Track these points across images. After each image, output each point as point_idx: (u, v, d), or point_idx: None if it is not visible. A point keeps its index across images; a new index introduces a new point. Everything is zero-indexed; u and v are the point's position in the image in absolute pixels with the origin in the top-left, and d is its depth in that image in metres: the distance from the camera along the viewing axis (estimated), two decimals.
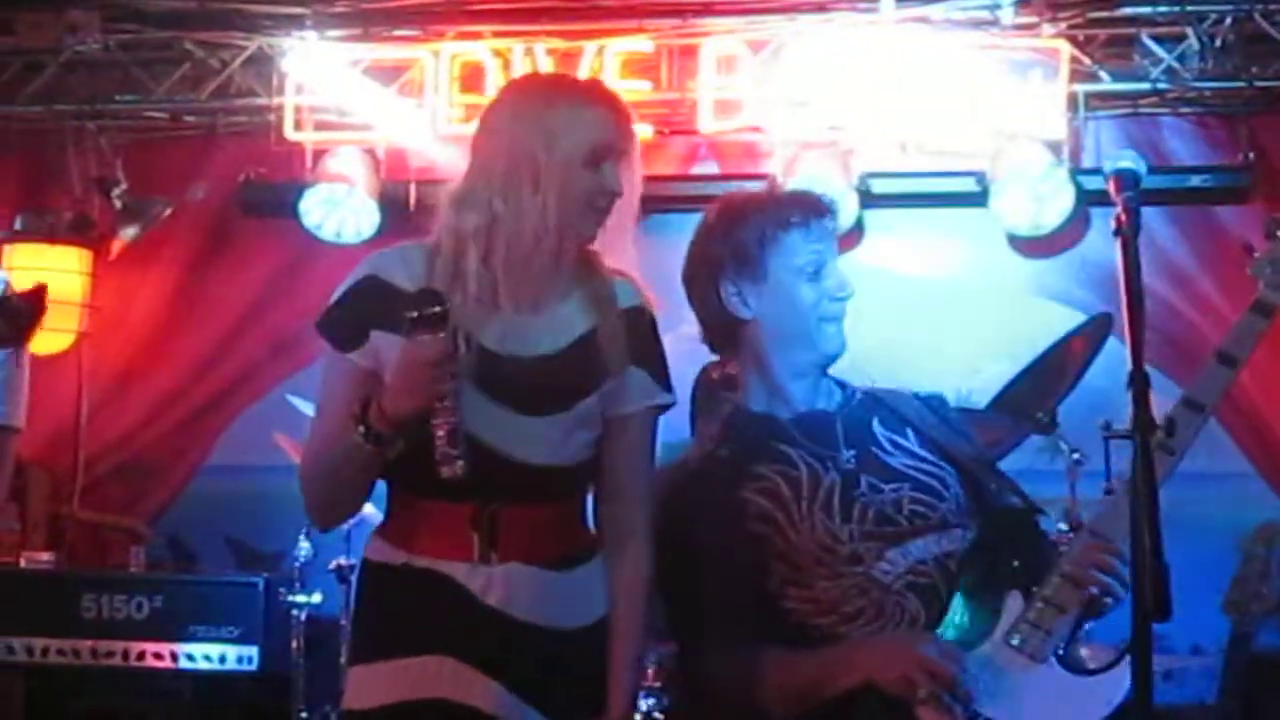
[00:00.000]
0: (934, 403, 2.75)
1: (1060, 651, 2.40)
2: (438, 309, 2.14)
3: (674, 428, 4.26)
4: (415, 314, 2.15)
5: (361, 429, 2.20)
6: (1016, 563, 2.50)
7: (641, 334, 2.38)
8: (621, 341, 2.35)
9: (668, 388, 2.40)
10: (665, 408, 2.42)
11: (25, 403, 2.82)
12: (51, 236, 5.24)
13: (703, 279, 2.54)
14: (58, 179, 5.43)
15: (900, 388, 2.77)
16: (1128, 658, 2.24)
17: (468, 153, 2.38)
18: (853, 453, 2.55)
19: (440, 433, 2.16)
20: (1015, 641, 2.41)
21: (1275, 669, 3.85)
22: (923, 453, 2.63)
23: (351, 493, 2.40)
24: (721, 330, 2.56)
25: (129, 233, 5.27)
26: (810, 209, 2.53)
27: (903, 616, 2.49)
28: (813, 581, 2.48)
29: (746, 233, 2.53)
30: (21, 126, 5.49)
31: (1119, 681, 2.36)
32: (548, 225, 2.28)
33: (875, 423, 2.63)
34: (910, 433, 2.65)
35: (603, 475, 2.42)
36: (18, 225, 5.15)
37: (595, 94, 2.42)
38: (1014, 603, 2.44)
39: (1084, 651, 2.60)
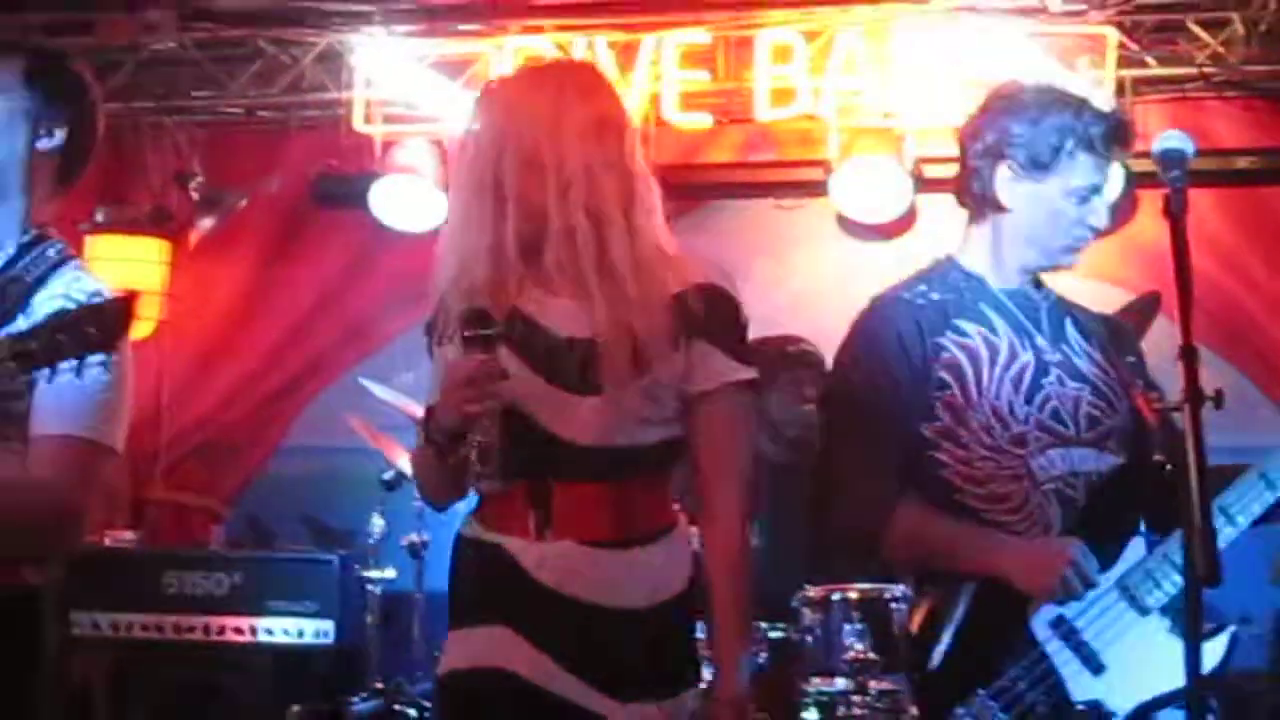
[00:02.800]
0: (1119, 330, 2.69)
1: (1164, 608, 2.29)
2: (487, 331, 2.08)
3: None
4: (468, 333, 2.10)
5: (424, 436, 2.22)
6: (1151, 512, 2.37)
7: (717, 307, 2.22)
8: (674, 324, 2.21)
9: (747, 363, 2.24)
10: (749, 383, 2.26)
11: (125, 423, 2.45)
12: (131, 228, 5.08)
13: (989, 150, 2.43)
14: (137, 173, 5.25)
15: (1083, 305, 2.71)
16: (1229, 629, 2.31)
17: None
18: (1047, 342, 2.48)
19: (473, 450, 2.11)
20: (1129, 586, 2.29)
21: None
22: (1108, 368, 2.51)
23: (441, 483, 2.31)
24: (976, 199, 2.46)
25: (206, 224, 5.11)
26: (1115, 140, 2.42)
27: (1041, 519, 2.40)
28: (971, 445, 2.42)
29: (1053, 136, 2.41)
30: (106, 122, 5.29)
31: (1213, 652, 2.24)
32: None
33: (1069, 324, 2.54)
34: (1096, 344, 2.55)
35: (691, 453, 2.28)
36: (99, 218, 4.92)
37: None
38: (1135, 550, 2.34)
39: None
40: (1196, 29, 4.46)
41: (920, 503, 2.45)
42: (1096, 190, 2.41)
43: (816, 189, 4.71)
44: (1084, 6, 4.36)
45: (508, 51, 4.69)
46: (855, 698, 3.40)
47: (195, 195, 5.09)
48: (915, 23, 4.54)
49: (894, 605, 3.45)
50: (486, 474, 2.18)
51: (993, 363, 2.45)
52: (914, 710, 3.06)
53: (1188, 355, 1.94)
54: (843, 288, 4.82)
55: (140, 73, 5.05)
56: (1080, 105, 2.46)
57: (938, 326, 2.48)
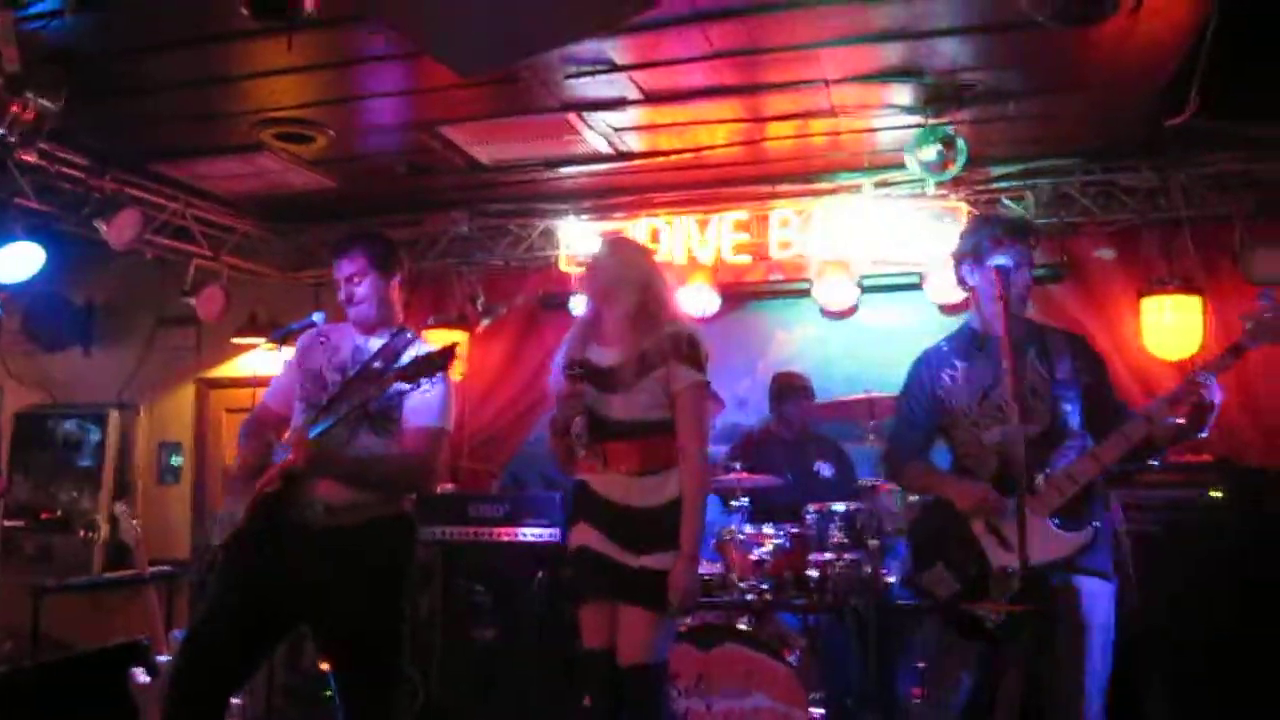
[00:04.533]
0: (1077, 345, 3.22)
1: (1053, 512, 3.00)
2: (577, 371, 3.15)
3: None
4: (572, 369, 3.18)
5: (550, 431, 3.26)
6: (1058, 455, 3.05)
7: (683, 344, 3.16)
8: (657, 353, 3.13)
9: (700, 370, 3.14)
10: (702, 384, 3.14)
11: (453, 417, 3.38)
12: (448, 325, 6.11)
13: (955, 258, 3.26)
14: (449, 297, 6.45)
15: (1056, 326, 3.37)
16: (1089, 526, 2.97)
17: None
18: (1003, 364, 2.98)
19: (573, 433, 3.16)
20: (1030, 502, 2.93)
21: None
22: (1046, 375, 3.10)
23: (559, 458, 3.34)
24: (962, 285, 3.26)
25: (485, 322, 6.19)
26: (1013, 234, 3.14)
27: (987, 466, 3.12)
28: (958, 429, 3.20)
29: (976, 241, 3.17)
30: (431, 271, 6.45)
31: (1078, 538, 2.98)
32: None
33: (1031, 350, 3.14)
34: (1048, 361, 3.12)
35: (675, 425, 3.16)
36: (430, 321, 6.04)
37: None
38: (1039, 481, 3.01)
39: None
40: (1007, 200, 5.60)
41: (919, 461, 3.27)
42: (1010, 264, 2.99)
43: (806, 293, 5.82)
44: (946, 192, 5.47)
45: (640, 225, 5.90)
46: (836, 564, 4.42)
47: (479, 308, 6.19)
48: (854, 202, 5.64)
49: (859, 513, 4.50)
50: (581, 443, 3.16)
51: (964, 383, 3.19)
52: (868, 569, 4.31)
53: (1014, 373, 2.83)
54: (822, 344, 6.06)
55: (449, 244, 6.37)
56: (990, 220, 3.31)
57: (940, 364, 3.26)
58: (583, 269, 3.47)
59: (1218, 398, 2.91)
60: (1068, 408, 3.09)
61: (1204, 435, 2.99)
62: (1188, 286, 5.28)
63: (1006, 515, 3.01)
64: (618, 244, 3.51)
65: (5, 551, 6.96)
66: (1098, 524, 3.03)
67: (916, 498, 4.10)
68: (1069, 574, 3.01)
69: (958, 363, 3.22)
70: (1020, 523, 2.76)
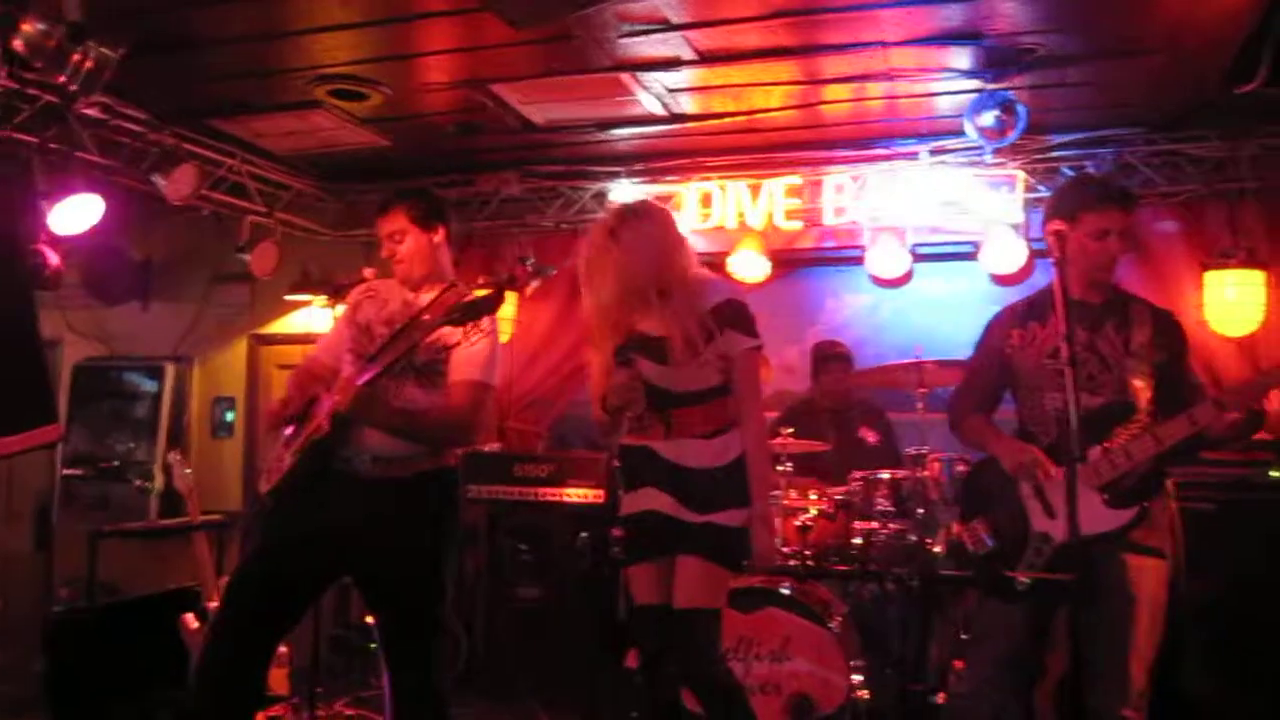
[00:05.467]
0: (1162, 320, 3.16)
1: (1102, 486, 3.00)
2: (625, 358, 3.16)
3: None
4: (623, 356, 3.19)
5: (601, 408, 3.26)
6: (1122, 428, 3.02)
7: (734, 311, 3.18)
8: (710, 324, 3.13)
9: (753, 335, 3.17)
10: (758, 349, 3.17)
11: (498, 373, 3.40)
12: (508, 286, 6.03)
13: (1047, 215, 3.21)
14: (499, 258, 6.52)
15: (1144, 300, 3.24)
16: (1138, 506, 2.97)
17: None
18: (1083, 330, 3.06)
19: (631, 415, 3.19)
20: (1083, 472, 2.93)
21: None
22: (1122, 347, 3.07)
23: (608, 428, 3.36)
24: (1051, 245, 3.08)
25: (534, 284, 6.29)
26: (1110, 201, 3.09)
27: (1047, 433, 3.12)
28: (1021, 391, 3.23)
29: (1073, 203, 3.14)
30: (481, 232, 6.51)
31: (1126, 515, 2.99)
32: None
33: (1111, 320, 3.12)
34: (1127, 333, 3.08)
35: (733, 389, 3.21)
36: (480, 282, 5.86)
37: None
38: (1095, 451, 3.00)
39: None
40: (1067, 170, 5.52)
41: (979, 416, 3.27)
42: (1105, 233, 3.02)
43: (858, 261, 5.76)
44: (1004, 159, 5.47)
45: (691, 189, 5.92)
46: (880, 532, 4.43)
47: (529, 269, 6.22)
48: (909, 169, 5.65)
49: (904, 482, 4.44)
50: (644, 418, 3.18)
51: (1031, 345, 3.18)
52: (913, 538, 4.28)
53: (1069, 339, 2.75)
54: (873, 312, 6.08)
55: (501, 205, 6.41)
56: (1088, 182, 3.38)
57: (1014, 323, 3.24)
58: (596, 245, 3.35)
59: (1277, 404, 2.90)
60: (1139, 383, 3.05)
61: (1250, 438, 3.04)
62: (1252, 260, 5.20)
63: (1054, 482, 3.01)
64: (629, 215, 3.34)
65: (64, 500, 7.16)
66: (1147, 503, 3.00)
67: (961, 467, 4.21)
68: (1115, 548, 2.99)
69: (1031, 324, 3.21)
70: (1070, 491, 2.72)
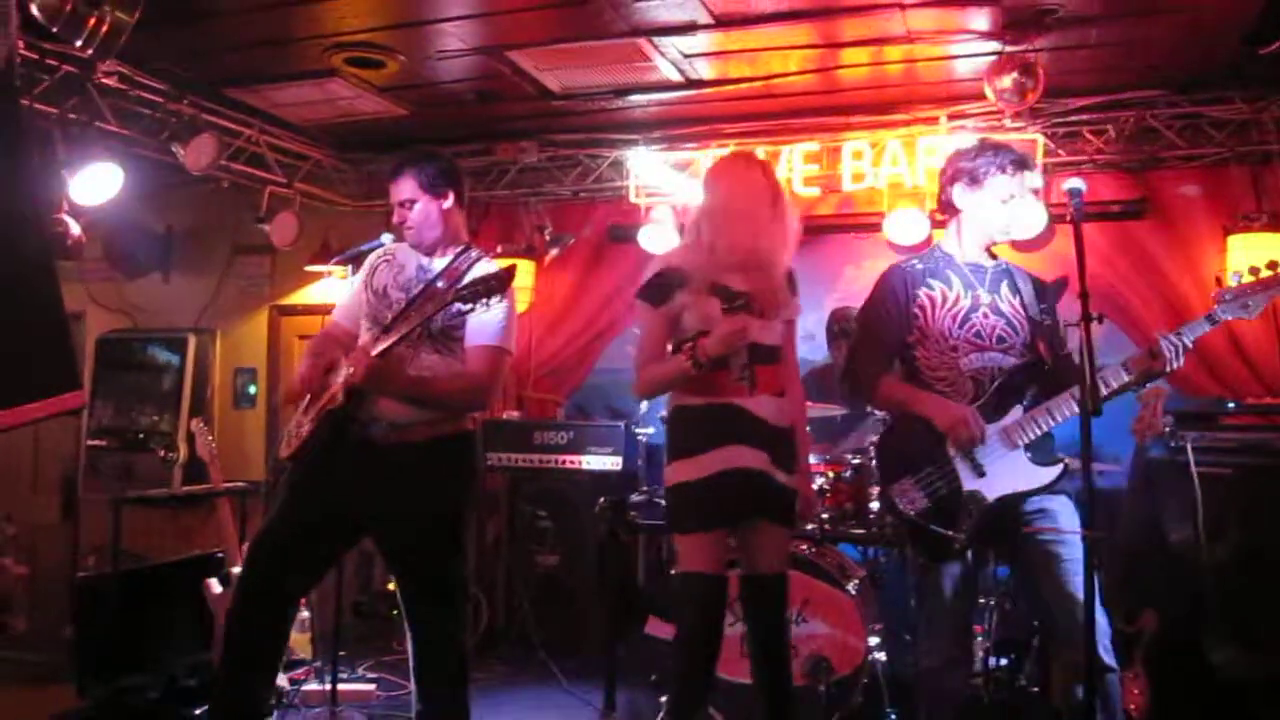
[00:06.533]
0: (1040, 286, 3.26)
1: (1027, 445, 3.07)
2: (738, 303, 3.09)
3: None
4: (733, 303, 3.07)
5: (690, 363, 3.12)
6: (1033, 389, 3.13)
7: (793, 280, 3.36)
8: (788, 289, 3.31)
9: (800, 309, 3.36)
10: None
11: (514, 338, 3.41)
12: (529, 256, 6.22)
13: (946, 177, 3.23)
14: (516, 227, 6.54)
15: (1024, 269, 3.30)
16: (1060, 464, 3.05)
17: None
18: (983, 292, 3.15)
19: (736, 365, 3.15)
20: (1008, 431, 3.06)
21: (1160, 469, 4.38)
22: (1020, 309, 3.16)
23: (672, 387, 3.32)
24: (944, 207, 3.25)
25: (552, 253, 6.33)
26: (1018, 166, 3.13)
27: (964, 391, 3.12)
28: (930, 350, 3.16)
29: (982, 166, 3.15)
30: (500, 201, 6.55)
31: (1052, 473, 3.07)
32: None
33: (1004, 283, 3.21)
34: (1020, 296, 3.19)
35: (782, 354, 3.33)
36: (498, 251, 5.74)
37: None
38: (1014, 414, 3.09)
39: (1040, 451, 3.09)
40: (1088, 134, 5.53)
41: (897, 376, 3.22)
42: (1012, 197, 3.11)
43: (876, 227, 5.70)
44: (1024, 124, 5.41)
45: (709, 157, 5.76)
46: None
47: (547, 238, 6.28)
48: (930, 134, 5.61)
49: None
50: (744, 373, 3.14)
51: (943, 305, 3.16)
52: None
53: (1084, 296, 2.65)
54: None
55: (519, 174, 6.42)
56: (996, 147, 3.19)
57: (917, 282, 3.19)
58: (724, 190, 3.35)
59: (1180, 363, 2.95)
60: (1041, 344, 3.12)
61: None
62: (1276, 223, 5.14)
63: (983, 440, 3.05)
64: (752, 166, 3.39)
65: (89, 471, 7.24)
66: (1068, 459, 3.07)
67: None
68: (1039, 497, 3.07)
69: (934, 283, 3.18)
70: (1084, 440, 2.62)
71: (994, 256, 3.26)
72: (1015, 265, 3.31)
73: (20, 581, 6.52)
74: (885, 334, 3.23)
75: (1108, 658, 2.92)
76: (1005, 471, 3.03)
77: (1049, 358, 3.15)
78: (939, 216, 3.39)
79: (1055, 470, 3.04)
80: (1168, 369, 2.95)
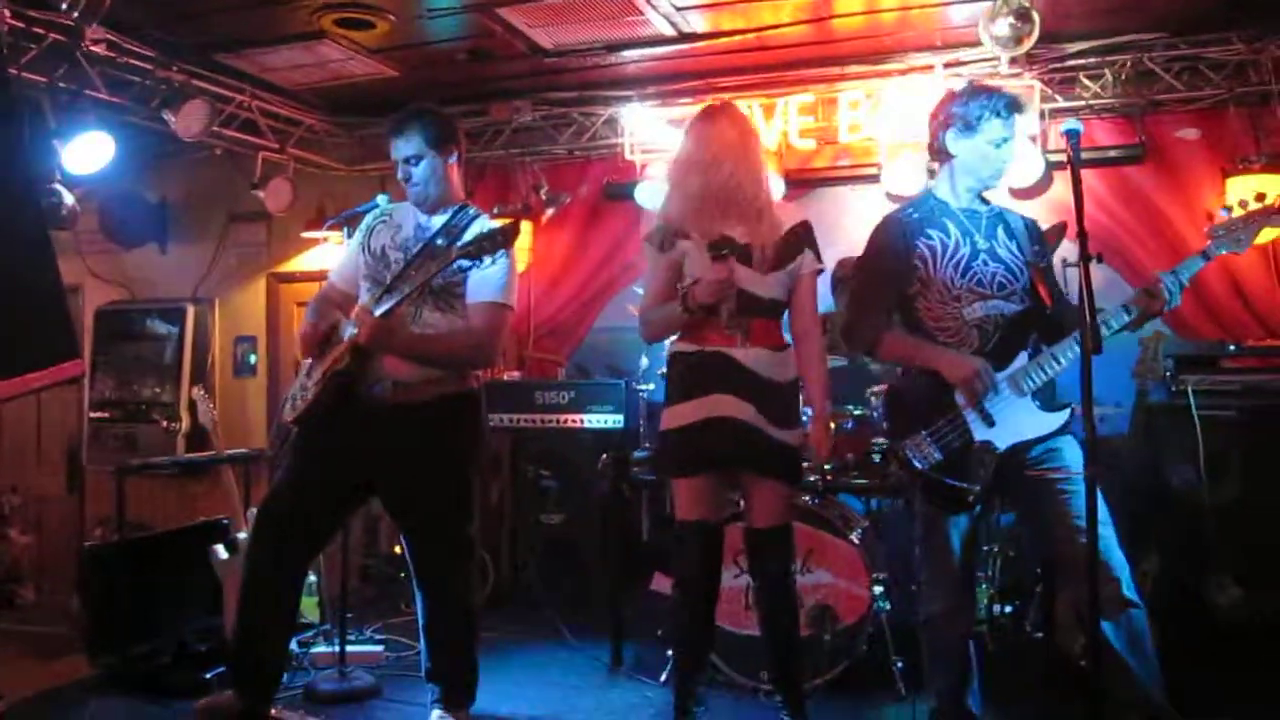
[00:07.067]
0: (1033, 228, 3.23)
1: (1035, 392, 3.06)
2: (727, 250, 3.11)
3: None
4: (718, 250, 3.10)
5: (681, 308, 3.18)
6: (1035, 334, 3.11)
7: (807, 235, 3.34)
8: (795, 242, 3.27)
9: (820, 260, 3.32)
10: (820, 271, 3.33)
11: (515, 293, 3.47)
12: (527, 216, 6.16)
13: (938, 123, 3.16)
14: (512, 188, 6.55)
15: (1016, 211, 3.26)
16: (1068, 408, 3.04)
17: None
18: (980, 239, 3.11)
19: (725, 313, 3.16)
20: (1016, 378, 3.04)
21: (1161, 412, 4.44)
22: (1018, 253, 3.12)
23: (670, 331, 3.36)
24: (937, 153, 3.21)
25: (549, 212, 6.30)
26: (1012, 109, 3.08)
27: (969, 340, 3.08)
28: (932, 301, 3.12)
29: (974, 109, 3.08)
30: (495, 162, 6.54)
31: (1060, 419, 3.06)
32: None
33: (999, 228, 3.15)
34: (1015, 240, 3.14)
35: (795, 305, 3.32)
36: (495, 211, 5.71)
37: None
38: (1020, 360, 3.07)
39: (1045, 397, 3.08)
40: (1085, 80, 5.46)
41: (900, 328, 3.16)
42: (1006, 140, 3.04)
43: (874, 179, 5.69)
44: (1020, 70, 5.34)
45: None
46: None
47: (543, 197, 6.25)
48: (925, 83, 5.52)
49: None
50: (735, 325, 3.17)
51: (943, 254, 3.10)
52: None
53: (1081, 235, 2.61)
54: None
55: (513, 134, 6.39)
56: (989, 90, 3.14)
57: (915, 232, 3.14)
58: (691, 141, 3.37)
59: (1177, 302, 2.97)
60: (1041, 289, 3.10)
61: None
62: (1275, 165, 5.09)
63: (996, 391, 3.03)
64: (719, 116, 3.37)
65: (93, 443, 7.29)
66: (1074, 405, 3.01)
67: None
68: (1047, 441, 3.06)
69: (932, 233, 3.13)
70: (1086, 396, 2.58)
71: (985, 201, 3.22)
72: (1006, 208, 3.28)
73: (27, 551, 6.56)
74: (885, 287, 3.18)
75: (1131, 594, 2.89)
76: (1014, 419, 3.01)
77: (1049, 302, 3.13)
78: (932, 159, 3.27)
79: (1063, 415, 3.03)
80: (1166, 307, 2.96)
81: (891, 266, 3.15)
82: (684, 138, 3.35)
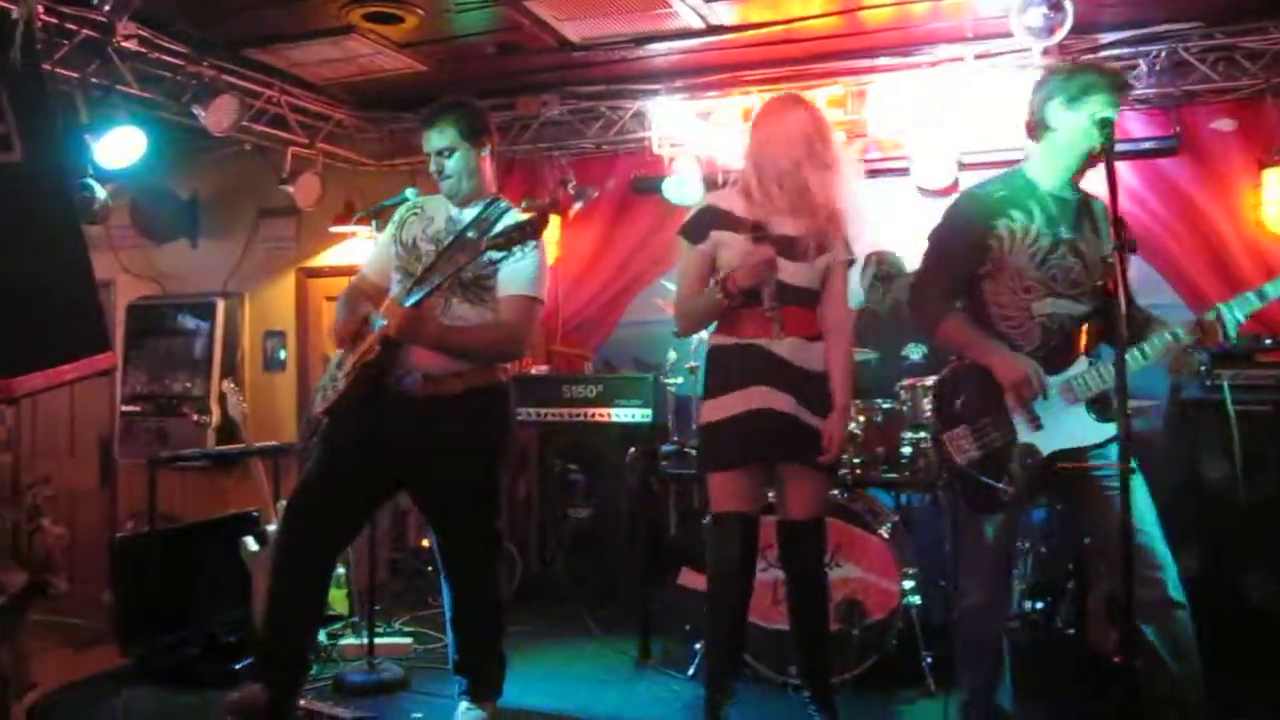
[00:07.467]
0: (1117, 220, 2.85)
1: (1089, 400, 2.98)
2: (764, 232, 3.14)
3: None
4: (756, 234, 3.14)
5: (721, 293, 3.18)
6: (1100, 338, 3.02)
7: (845, 222, 3.30)
8: (833, 232, 3.25)
9: (849, 250, 3.32)
10: (850, 262, 3.35)
11: (546, 287, 3.48)
12: (550, 210, 5.14)
13: (1042, 95, 3.00)
14: (540, 182, 6.56)
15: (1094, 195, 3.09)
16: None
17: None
18: (1065, 230, 2.98)
19: (766, 296, 3.15)
20: (1071, 384, 2.98)
21: (1196, 407, 4.42)
22: (1100, 247, 3.01)
23: (707, 321, 3.37)
24: (1035, 125, 3.02)
25: (577, 206, 6.29)
26: (1118, 88, 2.94)
27: (1030, 337, 3.00)
28: (1001, 286, 3.03)
29: (1076, 84, 2.94)
30: (522, 156, 6.54)
31: (1113, 429, 2.95)
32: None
33: (1086, 218, 3.03)
34: (1097, 234, 3.02)
35: (826, 294, 3.31)
36: (522, 206, 4.92)
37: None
38: (1079, 365, 2.98)
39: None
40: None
41: (960, 315, 3.05)
42: (1109, 121, 2.81)
43: (903, 172, 5.70)
44: (1052, 61, 4.89)
45: (732, 104, 5.81)
46: (925, 441, 4.24)
47: (571, 192, 6.24)
48: (955, 76, 5.42)
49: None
50: (773, 306, 3.14)
51: (1022, 239, 2.98)
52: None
53: (1117, 223, 2.60)
54: (918, 223, 5.52)
55: (541, 128, 6.39)
56: (1100, 67, 3.12)
57: (995, 213, 2.99)
58: (748, 131, 3.34)
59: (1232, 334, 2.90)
60: (1112, 288, 2.96)
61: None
62: None
63: (1045, 396, 2.96)
64: (773, 109, 3.35)
65: (124, 437, 7.36)
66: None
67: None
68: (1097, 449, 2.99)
69: (1015, 214, 3.00)
70: (1121, 392, 2.58)
71: (1076, 189, 3.07)
72: (1095, 196, 3.11)
73: (59, 541, 6.61)
74: (955, 263, 3.07)
75: (1176, 594, 2.84)
76: (1063, 425, 2.95)
77: (1126, 301, 2.93)
78: (1030, 137, 3.08)
79: (1114, 426, 2.94)
80: (1222, 345, 2.93)
81: (963, 248, 3.05)
82: (752, 130, 3.34)
